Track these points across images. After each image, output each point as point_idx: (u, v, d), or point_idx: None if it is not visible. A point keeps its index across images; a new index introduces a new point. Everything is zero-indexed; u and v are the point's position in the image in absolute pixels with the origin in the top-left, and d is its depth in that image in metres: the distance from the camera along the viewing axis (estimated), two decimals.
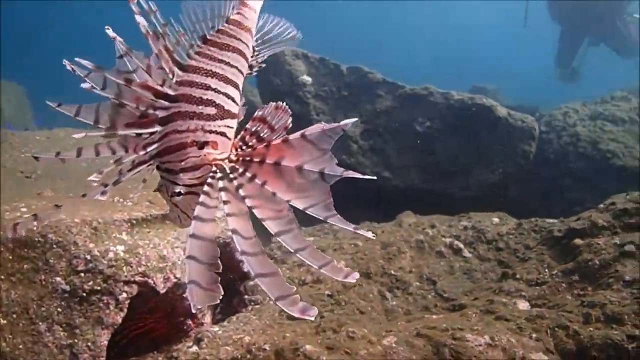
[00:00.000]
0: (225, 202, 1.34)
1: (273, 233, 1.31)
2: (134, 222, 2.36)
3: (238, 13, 1.59)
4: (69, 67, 1.30)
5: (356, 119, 1.29)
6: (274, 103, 1.41)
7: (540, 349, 2.11)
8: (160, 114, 1.38)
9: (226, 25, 1.54)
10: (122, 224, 2.31)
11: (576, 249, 2.80)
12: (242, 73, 1.57)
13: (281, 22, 1.74)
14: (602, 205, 3.04)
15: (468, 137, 5.10)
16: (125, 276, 2.18)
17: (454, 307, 2.86)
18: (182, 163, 1.43)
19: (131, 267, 2.21)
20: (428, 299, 3.05)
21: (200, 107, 1.42)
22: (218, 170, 1.40)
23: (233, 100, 1.49)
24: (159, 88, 1.36)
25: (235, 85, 1.50)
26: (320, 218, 1.30)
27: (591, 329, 2.16)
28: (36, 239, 2.13)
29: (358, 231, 1.30)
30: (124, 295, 2.17)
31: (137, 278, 2.22)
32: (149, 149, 1.38)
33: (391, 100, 5.28)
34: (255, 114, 1.42)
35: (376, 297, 2.99)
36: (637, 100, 5.61)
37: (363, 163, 5.21)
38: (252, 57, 1.65)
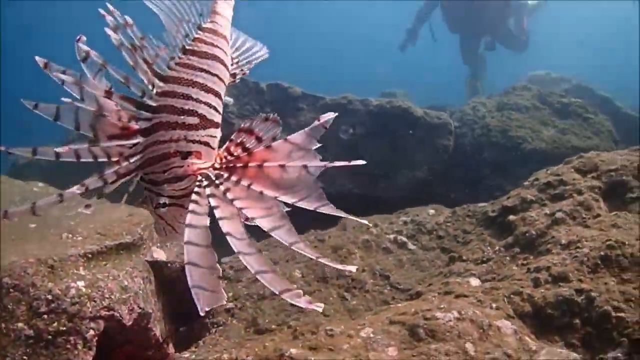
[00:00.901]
0: (214, 208, 1.37)
1: (266, 230, 1.36)
2: (89, 255, 2.30)
3: (211, 21, 1.63)
4: (41, 64, 1.29)
5: (336, 114, 1.37)
6: (264, 114, 1.46)
7: (501, 316, 2.30)
8: (142, 124, 1.40)
9: (201, 33, 1.58)
10: (78, 259, 2.24)
11: (512, 225, 3.08)
12: (223, 81, 1.60)
13: (248, 38, 1.81)
14: (527, 183, 3.36)
15: (391, 139, 5.37)
16: (91, 312, 2.12)
17: (412, 296, 3.02)
18: (166, 174, 1.44)
19: (95, 301, 2.15)
20: (385, 294, 3.19)
21: (182, 117, 1.44)
22: (203, 179, 1.43)
23: (215, 109, 1.52)
24: (139, 99, 1.38)
25: (217, 94, 1.54)
26: (312, 209, 1.37)
27: (542, 290, 2.40)
28: None
29: (358, 220, 1.39)
30: (92, 332, 2.10)
31: (103, 312, 2.16)
32: (132, 160, 1.39)
33: (313, 112, 5.45)
34: (242, 125, 1.47)
35: (337, 300, 3.08)
36: (537, 88, 6.20)
37: None
38: (232, 65, 1.70)
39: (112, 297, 2.21)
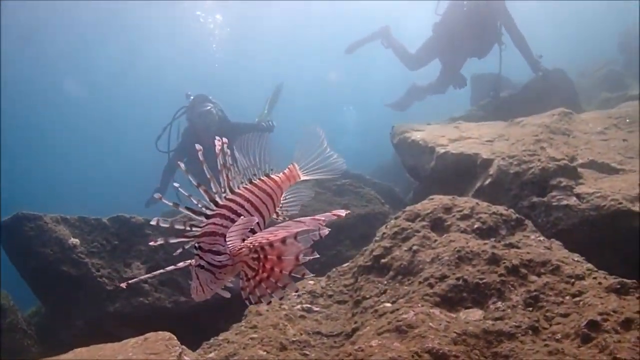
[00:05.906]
0: None
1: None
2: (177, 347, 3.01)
3: (277, 175, 2.77)
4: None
5: (347, 211, 2.66)
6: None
7: (429, 307, 3.90)
8: (208, 212, 2.44)
9: (266, 178, 2.69)
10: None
11: (387, 265, 4.75)
12: (269, 211, 2.63)
13: (300, 190, 2.91)
14: (377, 238, 5.12)
15: None
16: None
17: (349, 335, 4.37)
18: (211, 246, 2.34)
19: None
20: (327, 343, 4.45)
21: (233, 215, 2.39)
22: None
23: (257, 223, 2.49)
24: (213, 195, 2.45)
25: (260, 214, 2.48)
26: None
27: (437, 287, 4.08)
28: None
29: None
30: None
31: None
32: (194, 229, 2.40)
33: (160, 236, 6.28)
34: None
35: (301, 357, 4.21)
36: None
37: (160, 298, 6.02)
38: (279, 208, 2.81)
39: None
